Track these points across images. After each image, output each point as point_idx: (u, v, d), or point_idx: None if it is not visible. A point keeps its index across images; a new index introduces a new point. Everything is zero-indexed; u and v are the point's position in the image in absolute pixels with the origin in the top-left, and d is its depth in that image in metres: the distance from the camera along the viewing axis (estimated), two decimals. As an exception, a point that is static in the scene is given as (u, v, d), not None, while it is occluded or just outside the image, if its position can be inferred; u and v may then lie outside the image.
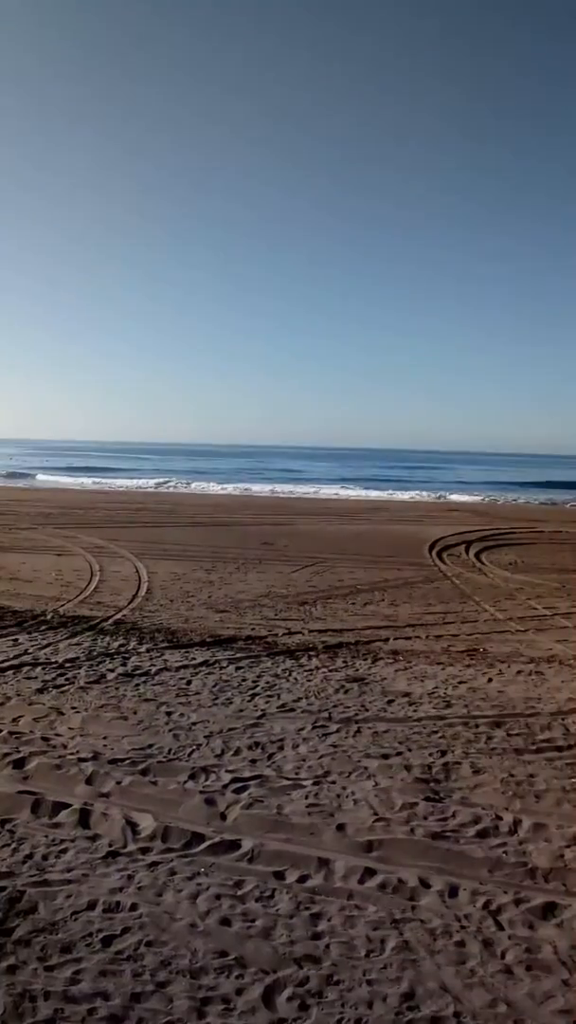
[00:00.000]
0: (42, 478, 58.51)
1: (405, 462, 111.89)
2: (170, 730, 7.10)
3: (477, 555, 20.25)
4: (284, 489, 50.72)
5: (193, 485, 53.05)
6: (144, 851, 5.00)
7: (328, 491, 50.55)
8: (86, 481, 54.78)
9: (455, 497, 48.24)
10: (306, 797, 5.82)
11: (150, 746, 6.71)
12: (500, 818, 5.57)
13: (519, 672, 9.34)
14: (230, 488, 50.86)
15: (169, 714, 7.51)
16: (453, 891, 4.65)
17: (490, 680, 8.94)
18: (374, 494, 49.24)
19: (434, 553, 20.14)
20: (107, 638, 10.35)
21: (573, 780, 6.27)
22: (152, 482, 54.54)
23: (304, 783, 6.06)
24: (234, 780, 6.06)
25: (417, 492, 51.88)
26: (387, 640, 10.69)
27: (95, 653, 9.57)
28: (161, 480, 56.50)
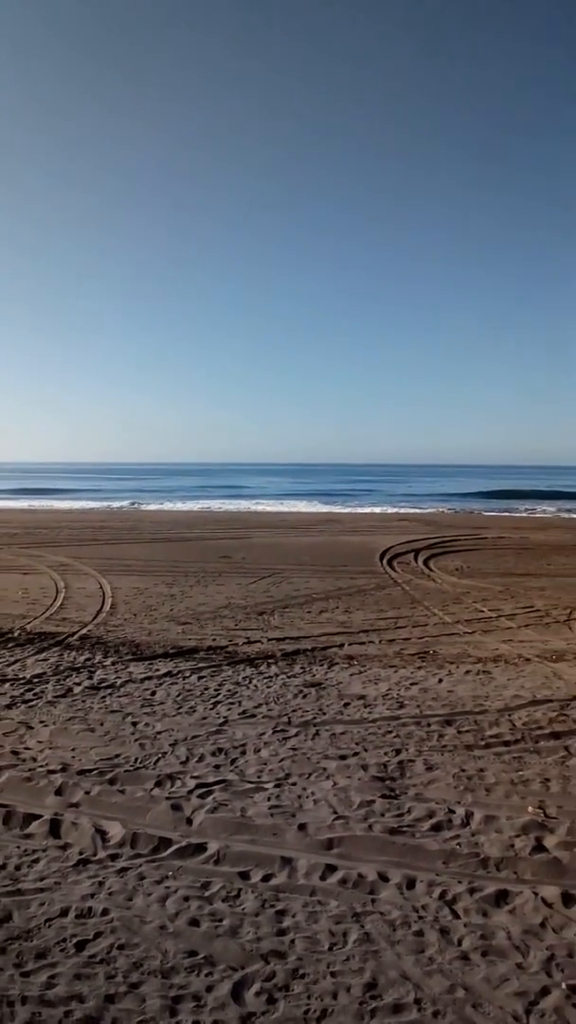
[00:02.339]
0: None
1: (361, 476, 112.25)
2: (136, 740, 7.05)
3: (425, 562, 20.40)
4: (241, 505, 50.71)
5: (153, 503, 52.75)
6: (114, 858, 4.96)
7: (285, 506, 50.62)
8: (39, 503, 53.99)
9: (405, 508, 48.60)
10: (268, 799, 5.81)
11: (117, 756, 6.66)
12: (453, 811, 5.61)
13: (467, 672, 9.41)
14: (189, 505, 50.71)
15: (135, 724, 7.46)
16: (411, 883, 4.68)
17: (440, 681, 9.00)
18: (324, 508, 49.38)
19: (385, 561, 20.25)
20: (73, 653, 10.26)
21: (520, 773, 6.34)
22: (113, 503, 54.16)
23: (266, 786, 6.05)
24: (199, 786, 6.04)
25: (370, 505, 52.19)
26: (342, 646, 10.72)
27: (62, 668, 9.48)
28: (128, 499, 56.21)
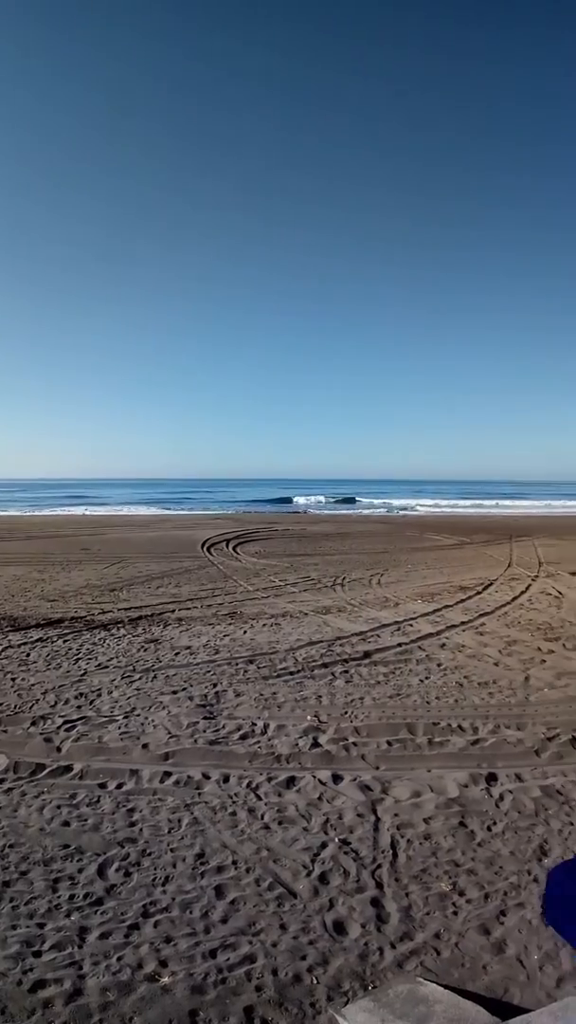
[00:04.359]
0: None
1: (184, 487, 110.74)
2: (14, 691, 6.67)
3: (234, 548, 20.53)
4: (98, 510, 48.78)
5: (27, 510, 49.60)
6: (1, 782, 4.69)
7: (131, 510, 49.22)
8: None
9: (218, 511, 48.69)
10: (119, 728, 5.67)
11: (0, 705, 6.28)
12: (255, 724, 5.70)
13: (264, 625, 9.57)
14: (57, 511, 48.19)
15: (13, 679, 7.05)
16: (226, 778, 4.72)
17: (245, 632, 9.10)
18: (160, 511, 48.57)
19: (205, 549, 20.20)
20: (-37, 628, 9.54)
21: (302, 693, 6.53)
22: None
23: (117, 718, 5.90)
24: (65, 722, 5.80)
25: (192, 508, 51.85)
26: (174, 611, 10.61)
27: (-47, 640, 8.80)
28: (2, 508, 52.58)
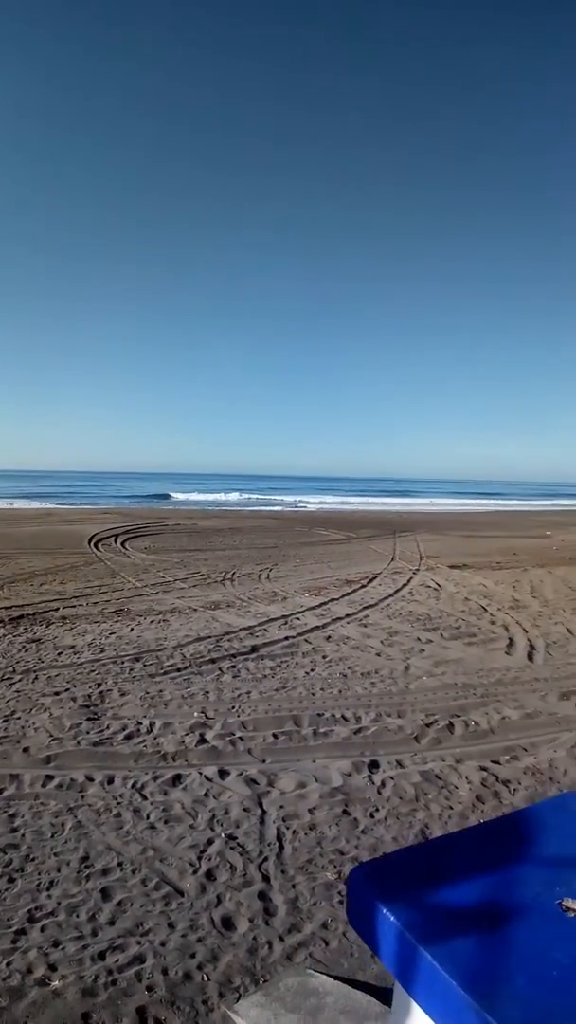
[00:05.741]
0: None
1: (73, 480, 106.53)
2: None
3: (123, 543, 20.07)
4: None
5: None
6: None
7: (12, 503, 46.85)
8: None
9: (107, 505, 47.38)
10: (-1, 732, 5.45)
11: None
12: (140, 723, 5.63)
13: (152, 621, 9.44)
14: None
15: None
16: (110, 780, 4.64)
17: (132, 629, 8.94)
18: (45, 504, 46.63)
19: (92, 544, 19.61)
20: None
21: (189, 689, 6.50)
22: None
23: (-3, 722, 5.66)
24: None
25: (80, 502, 50.17)
26: (58, 609, 10.26)
27: None
28: None
